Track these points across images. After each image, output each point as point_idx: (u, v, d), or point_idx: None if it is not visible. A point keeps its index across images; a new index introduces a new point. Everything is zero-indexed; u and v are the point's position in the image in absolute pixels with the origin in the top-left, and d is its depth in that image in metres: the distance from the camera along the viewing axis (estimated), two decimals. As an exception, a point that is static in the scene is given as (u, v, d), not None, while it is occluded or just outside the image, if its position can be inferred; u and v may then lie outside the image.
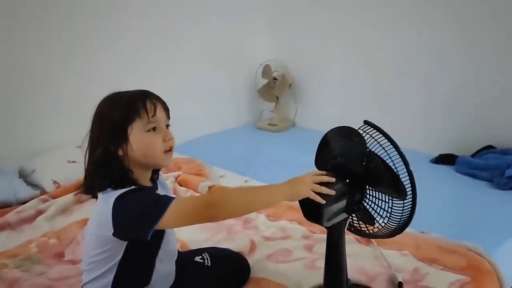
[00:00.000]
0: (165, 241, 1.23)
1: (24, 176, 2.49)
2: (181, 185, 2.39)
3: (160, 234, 1.19)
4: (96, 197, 1.19)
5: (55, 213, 2.14)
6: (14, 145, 2.64)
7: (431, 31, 2.99)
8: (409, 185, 1.10)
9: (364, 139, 1.19)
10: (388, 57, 3.26)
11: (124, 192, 1.08)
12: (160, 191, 1.25)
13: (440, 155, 2.94)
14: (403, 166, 1.11)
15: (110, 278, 1.18)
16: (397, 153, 1.12)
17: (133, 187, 1.11)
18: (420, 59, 3.09)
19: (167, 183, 1.42)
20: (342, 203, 1.18)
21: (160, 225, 1.04)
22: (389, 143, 1.15)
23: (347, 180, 1.19)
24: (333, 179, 1.15)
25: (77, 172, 2.49)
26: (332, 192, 1.12)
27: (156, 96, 1.20)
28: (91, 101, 2.82)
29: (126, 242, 1.13)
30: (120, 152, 1.14)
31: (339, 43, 3.52)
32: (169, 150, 1.18)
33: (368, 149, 1.17)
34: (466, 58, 2.88)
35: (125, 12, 2.99)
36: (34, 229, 1.99)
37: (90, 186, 1.19)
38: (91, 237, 1.19)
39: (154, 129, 1.15)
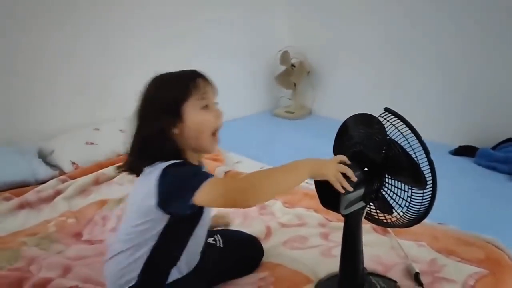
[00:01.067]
0: (202, 221, 1.22)
1: (43, 156, 2.52)
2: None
3: (199, 213, 1.18)
4: (138, 175, 1.18)
5: (74, 194, 2.16)
6: (33, 125, 2.67)
7: (453, 20, 2.93)
8: (430, 174, 1.07)
9: (384, 126, 1.16)
10: (409, 46, 3.20)
11: (171, 164, 1.08)
12: None
13: (460, 146, 2.89)
14: (424, 155, 1.08)
15: (143, 252, 1.16)
16: (417, 141, 1.10)
17: (180, 160, 1.12)
18: (441, 48, 3.03)
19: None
20: (360, 192, 1.15)
21: (195, 200, 1.01)
22: (410, 131, 1.12)
23: (366, 168, 1.16)
24: (354, 178, 1.11)
25: (95, 154, 2.56)
26: (350, 188, 1.09)
27: (205, 75, 1.20)
28: (111, 83, 2.86)
29: (168, 216, 1.11)
30: (176, 131, 1.14)
31: (359, 30, 3.46)
32: (217, 135, 1.18)
33: (388, 137, 1.14)
34: (489, 48, 2.82)
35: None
36: (52, 209, 2.02)
37: (137, 163, 1.17)
38: (132, 207, 1.19)
39: (206, 107, 1.16)
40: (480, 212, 2.18)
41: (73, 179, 2.28)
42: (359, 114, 1.25)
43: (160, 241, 1.15)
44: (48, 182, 2.24)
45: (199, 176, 1.04)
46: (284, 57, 3.66)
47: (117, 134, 2.67)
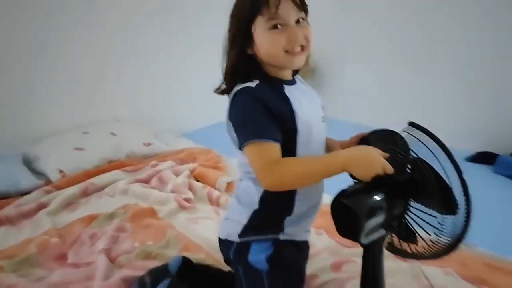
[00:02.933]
0: (302, 138, 1.09)
1: (28, 162, 2.32)
2: (197, 180, 2.19)
3: (291, 128, 1.07)
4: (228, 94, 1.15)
5: (59, 207, 1.96)
6: (18, 129, 2.46)
7: (471, 20, 2.73)
8: (463, 198, 0.95)
9: (407, 144, 1.05)
10: (424, 44, 3.00)
11: (240, 89, 1.06)
12: (296, 95, 1.12)
13: (478, 153, 2.70)
14: (456, 176, 0.96)
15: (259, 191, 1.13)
16: (448, 159, 0.97)
17: (250, 85, 1.06)
18: (458, 47, 2.84)
19: (308, 86, 1.28)
20: (381, 218, 1.00)
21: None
22: (439, 147, 1.00)
23: (388, 191, 1.01)
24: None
25: (84, 161, 2.37)
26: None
27: None
28: (102, 83, 2.65)
29: None
30: (250, 51, 1.11)
31: (370, 27, 3.26)
32: (292, 52, 1.07)
33: (414, 155, 1.03)
34: (509, 50, 2.62)
35: None
36: (34, 226, 1.82)
37: (227, 86, 1.14)
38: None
39: (279, 26, 1.06)
40: (506, 229, 2.00)
41: (59, 190, 2.09)
42: (379, 130, 1.18)
43: None
44: (31, 194, 2.05)
45: (247, 130, 1.02)
46: (287, 54, 3.45)
47: (108, 138, 2.49)
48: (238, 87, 1.07)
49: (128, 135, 2.56)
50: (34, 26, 2.42)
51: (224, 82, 1.15)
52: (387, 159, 1.00)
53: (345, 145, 1.25)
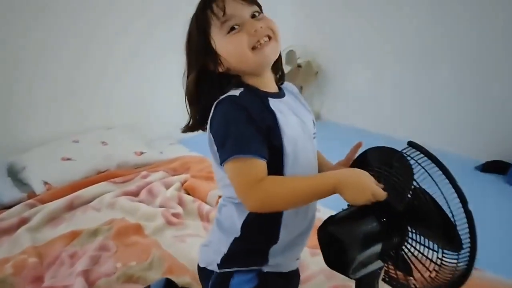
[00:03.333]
0: (290, 160, 0.98)
1: (14, 173, 2.23)
2: (188, 193, 2.08)
3: (278, 159, 0.97)
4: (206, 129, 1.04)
5: (41, 223, 1.86)
6: (4, 137, 2.37)
7: (482, 24, 2.58)
8: (467, 230, 0.86)
9: (408, 166, 0.94)
10: (432, 46, 2.86)
11: (222, 98, 0.96)
12: (283, 109, 1.01)
13: (488, 162, 2.55)
14: (459, 205, 0.86)
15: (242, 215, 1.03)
16: (451, 187, 0.87)
17: (233, 94, 0.96)
18: (468, 51, 2.69)
19: (296, 91, 1.17)
20: (376, 248, 0.91)
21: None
22: (440, 172, 0.89)
23: (384, 219, 0.91)
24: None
25: (72, 172, 2.26)
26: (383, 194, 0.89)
27: None
28: (94, 90, 2.55)
29: None
30: (221, 68, 1.01)
31: (376, 28, 3.12)
32: (260, 46, 0.98)
33: (413, 181, 0.92)
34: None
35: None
36: (13, 243, 1.72)
37: (196, 119, 1.05)
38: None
39: (236, 27, 0.98)
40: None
41: (43, 204, 1.99)
42: (376, 148, 1.05)
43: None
44: (13, 208, 1.95)
45: (229, 143, 0.91)
46: (290, 56, 3.34)
47: (98, 148, 2.39)
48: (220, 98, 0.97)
49: (119, 144, 2.46)
50: (23, 32, 2.33)
51: (191, 115, 1.06)
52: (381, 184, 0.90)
53: (338, 166, 1.15)
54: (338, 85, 3.48)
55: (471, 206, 0.85)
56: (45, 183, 2.12)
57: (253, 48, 0.97)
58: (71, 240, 1.75)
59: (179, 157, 2.46)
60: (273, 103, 0.99)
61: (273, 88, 1.05)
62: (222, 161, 0.92)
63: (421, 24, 2.87)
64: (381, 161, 0.99)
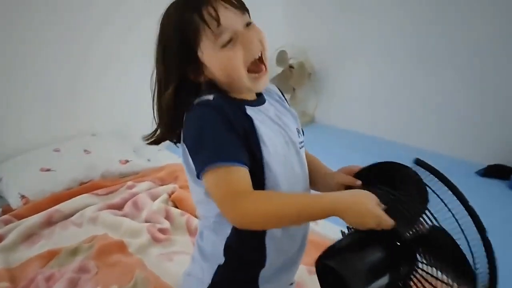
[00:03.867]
0: (273, 177, 0.88)
1: (-10, 184, 2.09)
2: (175, 205, 1.95)
3: (258, 171, 0.86)
4: (177, 141, 0.95)
5: (17, 241, 1.74)
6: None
7: (484, 21, 2.46)
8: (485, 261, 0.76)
9: (420, 189, 0.84)
10: (430, 45, 2.74)
11: (196, 103, 0.86)
12: (262, 117, 0.92)
13: (489, 166, 2.45)
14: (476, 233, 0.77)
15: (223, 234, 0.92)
16: (466, 212, 0.78)
17: (207, 98, 0.86)
18: (467, 49, 2.57)
19: (278, 94, 1.05)
20: (383, 281, 0.79)
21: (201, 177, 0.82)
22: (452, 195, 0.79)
23: (390, 247, 0.80)
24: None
25: (52, 184, 2.12)
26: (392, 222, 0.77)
27: None
28: (76, 95, 2.41)
29: None
30: (202, 78, 0.91)
31: (370, 25, 3.00)
32: (256, 70, 0.89)
33: (421, 204, 0.82)
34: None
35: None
36: (-16, 266, 1.59)
37: (167, 129, 0.93)
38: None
39: (229, 41, 0.86)
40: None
41: (19, 219, 1.86)
42: (378, 164, 0.95)
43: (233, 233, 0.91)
44: (-14, 225, 1.81)
45: (206, 151, 0.81)
46: (281, 57, 3.22)
47: (80, 157, 2.26)
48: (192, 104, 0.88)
49: (103, 152, 2.33)
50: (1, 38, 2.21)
51: (162, 126, 0.93)
52: (387, 208, 0.78)
53: (338, 175, 1.02)
54: (332, 87, 3.37)
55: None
56: (22, 196, 1.98)
57: (249, 71, 0.88)
58: (48, 260, 1.63)
59: (166, 165, 2.33)
60: (250, 111, 0.90)
61: (250, 96, 0.95)
62: (198, 172, 0.81)
63: (418, 23, 2.75)
64: (386, 178, 0.89)
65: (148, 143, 0.96)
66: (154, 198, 2.00)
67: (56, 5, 2.34)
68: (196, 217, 1.84)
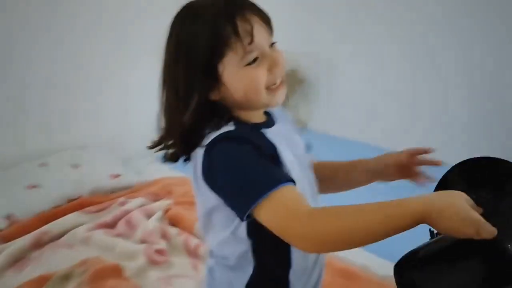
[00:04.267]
0: None
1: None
2: (172, 224, 1.86)
3: None
4: (188, 159, 0.87)
5: (4, 266, 1.63)
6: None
7: (478, 25, 2.44)
8: None
9: None
10: (424, 55, 2.71)
11: (216, 139, 0.78)
12: (279, 129, 0.89)
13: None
14: None
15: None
16: None
17: (228, 129, 0.80)
18: (464, 54, 2.54)
19: (285, 113, 0.99)
20: None
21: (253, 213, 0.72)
22: None
23: (489, 262, 0.66)
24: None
25: (39, 202, 2.01)
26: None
27: (251, 4, 0.84)
28: (59, 105, 2.29)
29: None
30: (213, 96, 0.83)
31: (364, 32, 2.96)
32: (275, 87, 0.84)
33: None
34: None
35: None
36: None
37: (183, 148, 0.85)
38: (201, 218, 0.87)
39: (255, 60, 0.81)
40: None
41: (6, 241, 1.75)
42: (461, 164, 0.81)
43: (253, 257, 0.84)
44: (-31, 249, 1.69)
45: (252, 186, 0.72)
46: (273, 64, 3.15)
47: (68, 172, 2.15)
48: (210, 137, 0.79)
49: (92, 166, 2.22)
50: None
51: (174, 143, 0.85)
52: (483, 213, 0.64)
53: (362, 164, 1.01)
54: (325, 94, 3.31)
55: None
56: (8, 216, 1.87)
57: (267, 88, 0.82)
58: (39, 287, 1.52)
59: (159, 178, 2.24)
60: (270, 134, 0.85)
61: (261, 117, 0.90)
62: (245, 211, 0.71)
63: (411, 30, 2.72)
64: (483, 181, 0.76)
65: (165, 162, 0.90)
66: (148, 215, 1.90)
67: (36, 14, 2.23)
68: (194, 235, 1.76)
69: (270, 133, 0.85)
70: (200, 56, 0.79)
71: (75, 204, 2.00)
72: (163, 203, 1.98)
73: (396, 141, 2.89)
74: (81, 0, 2.35)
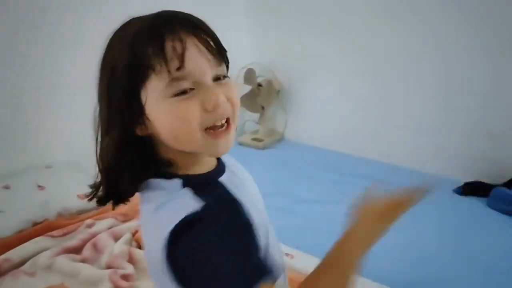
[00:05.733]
0: None
1: None
2: (140, 246, 1.78)
3: None
4: (118, 202, 0.75)
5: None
6: None
7: (459, 33, 2.41)
8: None
9: None
10: (399, 61, 2.69)
11: (177, 227, 0.61)
12: (231, 182, 0.75)
13: (466, 183, 2.39)
14: None
15: None
16: None
17: (191, 209, 0.63)
18: (442, 64, 2.52)
19: (237, 165, 0.87)
20: None
21: None
22: None
23: None
24: None
25: (1, 226, 1.91)
26: None
27: (191, 22, 0.68)
28: (23, 121, 2.19)
29: None
30: (140, 132, 0.70)
31: (337, 42, 2.93)
32: (217, 127, 0.68)
33: None
34: (500, 67, 2.32)
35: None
36: None
37: (112, 190, 0.72)
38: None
39: (185, 91, 0.66)
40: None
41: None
42: None
43: None
44: None
45: (245, 278, 0.60)
46: (249, 75, 3.10)
47: (33, 193, 2.06)
48: (155, 196, 0.68)
49: (59, 186, 2.12)
50: None
51: (102, 183, 0.73)
52: None
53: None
54: (301, 104, 3.27)
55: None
56: (-33, 244, 1.77)
57: (206, 129, 0.68)
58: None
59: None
60: (229, 185, 0.73)
61: (211, 165, 0.77)
62: None
63: (386, 37, 2.70)
64: None
65: (98, 204, 0.76)
66: (116, 237, 1.82)
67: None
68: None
69: (229, 183, 0.73)
70: (119, 80, 0.66)
71: (40, 228, 1.90)
72: (132, 224, 1.90)
73: (373, 151, 2.88)
74: (43, 16, 2.27)
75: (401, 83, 2.71)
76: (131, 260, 1.68)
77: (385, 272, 1.69)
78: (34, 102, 2.29)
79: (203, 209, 0.63)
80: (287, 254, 1.68)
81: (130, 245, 1.78)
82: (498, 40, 2.28)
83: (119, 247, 1.72)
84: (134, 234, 1.85)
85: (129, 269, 1.62)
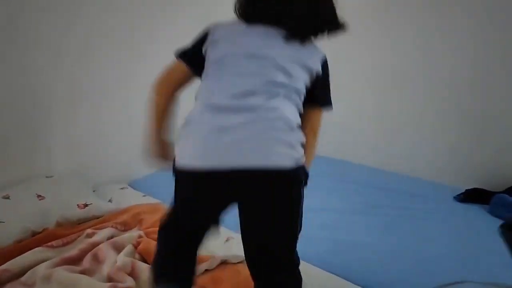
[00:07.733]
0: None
1: None
2: (142, 258, 1.77)
3: None
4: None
5: (-42, 310, 1.51)
6: None
7: (458, 51, 2.42)
8: None
9: None
10: (398, 69, 2.69)
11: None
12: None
13: (467, 190, 2.38)
14: None
15: None
16: None
17: None
18: (443, 75, 2.53)
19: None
20: None
21: None
22: None
23: None
24: None
25: (0, 236, 1.91)
26: None
27: None
28: (23, 131, 2.18)
29: None
30: None
31: (334, 50, 2.90)
32: None
33: None
34: (503, 77, 2.32)
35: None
36: None
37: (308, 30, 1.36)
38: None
39: None
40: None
41: (-39, 284, 1.63)
42: None
43: None
44: None
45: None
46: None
47: (33, 203, 2.05)
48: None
49: (59, 196, 2.12)
50: None
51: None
52: None
53: None
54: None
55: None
56: (-34, 255, 1.75)
57: None
58: None
59: (129, 207, 2.15)
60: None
61: None
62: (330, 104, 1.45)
63: (381, 41, 2.70)
64: None
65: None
66: (116, 248, 1.81)
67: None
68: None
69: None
70: None
71: (39, 238, 1.88)
72: (133, 234, 1.89)
73: (374, 159, 2.87)
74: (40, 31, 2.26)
75: (402, 91, 2.71)
76: (133, 272, 1.67)
77: (386, 279, 1.68)
78: (34, 112, 2.27)
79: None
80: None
81: (133, 256, 1.76)
82: (497, 50, 2.29)
83: (121, 259, 1.70)
84: (136, 246, 1.83)
85: (129, 282, 1.60)
